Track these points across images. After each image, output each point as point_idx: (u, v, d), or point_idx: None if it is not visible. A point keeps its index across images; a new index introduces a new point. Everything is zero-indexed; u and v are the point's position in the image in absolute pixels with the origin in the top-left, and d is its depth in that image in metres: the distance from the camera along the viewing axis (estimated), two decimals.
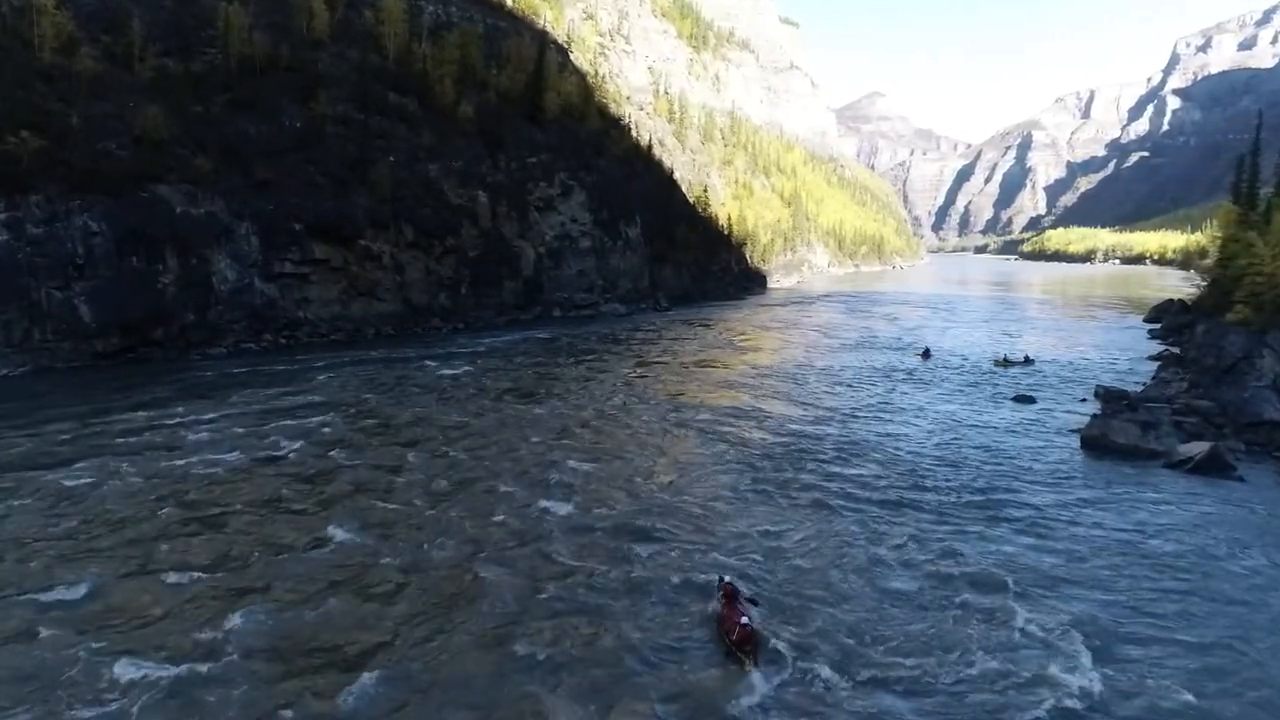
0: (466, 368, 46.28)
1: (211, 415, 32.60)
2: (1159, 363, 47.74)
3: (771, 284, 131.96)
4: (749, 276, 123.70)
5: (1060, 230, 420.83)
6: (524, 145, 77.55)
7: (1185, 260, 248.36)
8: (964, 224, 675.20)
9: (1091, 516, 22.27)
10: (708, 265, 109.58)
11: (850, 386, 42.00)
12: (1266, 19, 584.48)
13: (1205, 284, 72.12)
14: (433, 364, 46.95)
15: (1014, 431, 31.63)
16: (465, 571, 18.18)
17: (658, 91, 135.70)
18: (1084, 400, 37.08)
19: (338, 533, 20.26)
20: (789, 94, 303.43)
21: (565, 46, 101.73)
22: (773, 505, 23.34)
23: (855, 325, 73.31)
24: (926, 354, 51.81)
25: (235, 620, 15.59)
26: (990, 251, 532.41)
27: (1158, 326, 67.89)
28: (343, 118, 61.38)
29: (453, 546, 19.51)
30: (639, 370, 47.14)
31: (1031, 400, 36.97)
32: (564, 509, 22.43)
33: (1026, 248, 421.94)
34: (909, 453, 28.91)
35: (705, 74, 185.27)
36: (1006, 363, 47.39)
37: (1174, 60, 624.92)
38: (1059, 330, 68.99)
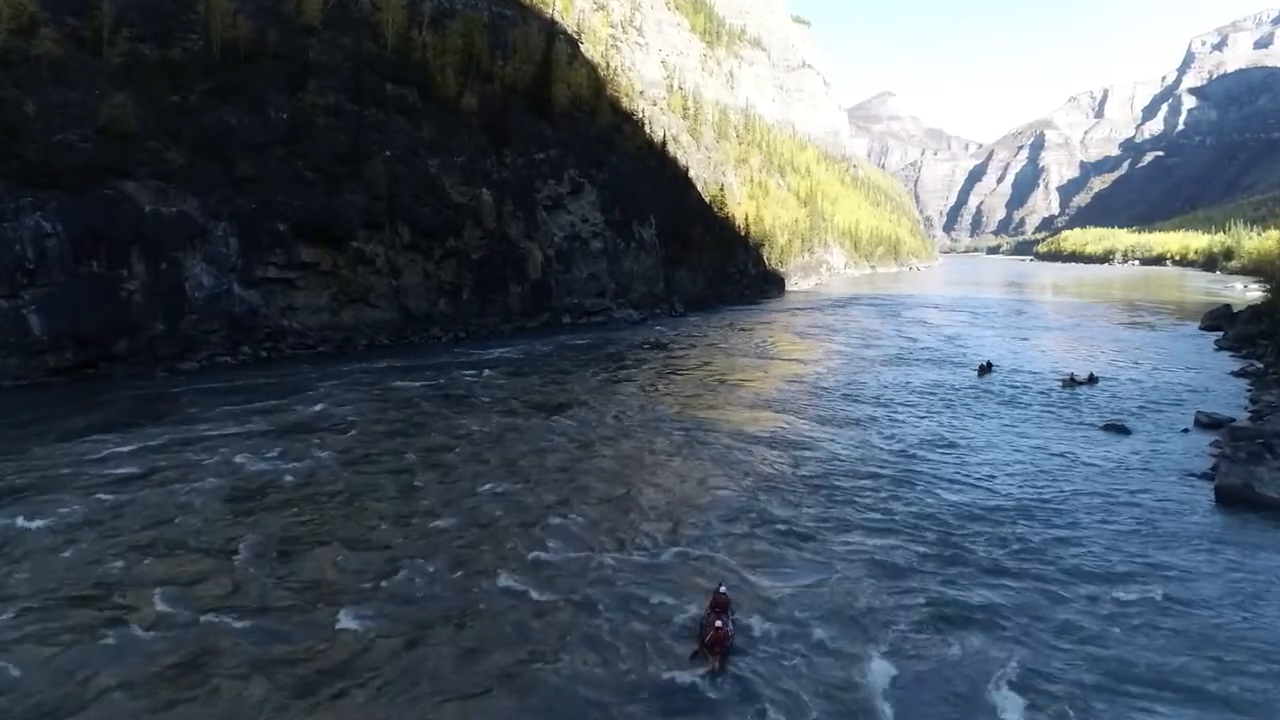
0: (468, 381, 41.71)
1: (173, 439, 28.45)
2: (1247, 381, 42.41)
3: (789, 286, 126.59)
4: (766, 279, 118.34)
5: (1077, 230, 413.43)
6: (531, 140, 72.47)
7: (1209, 261, 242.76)
8: (976, 224, 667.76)
9: (1259, 611, 17.01)
10: (724, 267, 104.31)
11: (899, 408, 36.79)
12: None
13: (1270, 289, 66.58)
14: (430, 378, 42.18)
15: (1119, 474, 26.28)
16: (457, 605, 17.03)
17: (671, 86, 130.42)
18: (1185, 431, 31.71)
19: (318, 566, 18.64)
20: (801, 93, 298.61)
21: (575, 37, 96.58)
22: (809, 561, 19.61)
23: (890, 332, 67.97)
24: (985, 369, 46.30)
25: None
26: (1003, 252, 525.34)
27: (1220, 335, 62.20)
28: (335, 109, 56.36)
29: (444, 581, 18.04)
30: (657, 386, 42.22)
31: (1125, 430, 31.57)
32: (567, 542, 20.41)
33: (1042, 248, 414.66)
34: (988, 500, 23.80)
35: (719, 70, 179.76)
36: (1073, 381, 42.01)
37: (1189, 59, 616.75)
38: (1113, 340, 63.36)
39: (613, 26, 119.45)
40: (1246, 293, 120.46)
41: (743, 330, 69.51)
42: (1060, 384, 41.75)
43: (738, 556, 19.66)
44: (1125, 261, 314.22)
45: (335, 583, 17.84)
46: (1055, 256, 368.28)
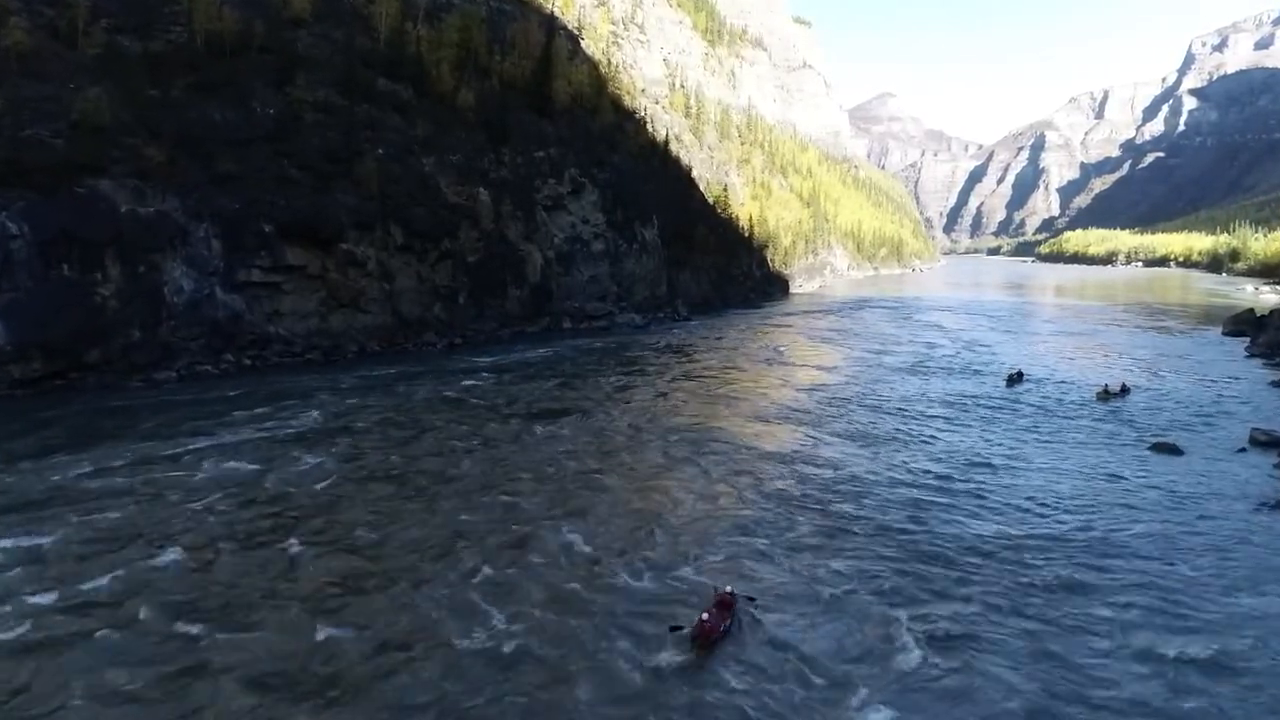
0: (464, 390, 39.59)
1: (145, 455, 26.38)
2: None
3: (793, 289, 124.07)
4: (770, 281, 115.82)
5: (1079, 232, 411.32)
6: (531, 138, 69.89)
7: (1214, 262, 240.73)
8: (976, 225, 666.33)
9: None
10: (728, 269, 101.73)
11: (927, 421, 34.29)
12: None
13: None
14: (424, 386, 40.01)
15: (1182, 503, 23.67)
16: (443, 622, 16.40)
17: (673, 85, 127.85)
18: (1242, 450, 29.19)
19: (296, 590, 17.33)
20: (802, 93, 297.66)
21: (575, 34, 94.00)
22: (823, 589, 18.07)
23: (906, 338, 65.44)
24: (1016, 378, 43.76)
25: None
26: (1004, 253, 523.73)
27: (1249, 342, 59.65)
28: (324, 104, 53.76)
29: (429, 597, 17.38)
30: (664, 396, 39.79)
31: (1177, 450, 29.00)
32: (560, 558, 19.54)
33: (1043, 249, 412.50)
34: (1037, 532, 21.40)
35: (720, 69, 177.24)
36: (1107, 393, 39.46)
37: (1189, 60, 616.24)
38: (1137, 347, 60.70)
39: (614, 23, 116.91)
40: (1260, 296, 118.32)
41: (751, 335, 67.02)
42: (1095, 396, 39.16)
43: (742, 579, 18.28)
44: (1128, 263, 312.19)
45: (309, 603, 16.62)
46: (1057, 258, 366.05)
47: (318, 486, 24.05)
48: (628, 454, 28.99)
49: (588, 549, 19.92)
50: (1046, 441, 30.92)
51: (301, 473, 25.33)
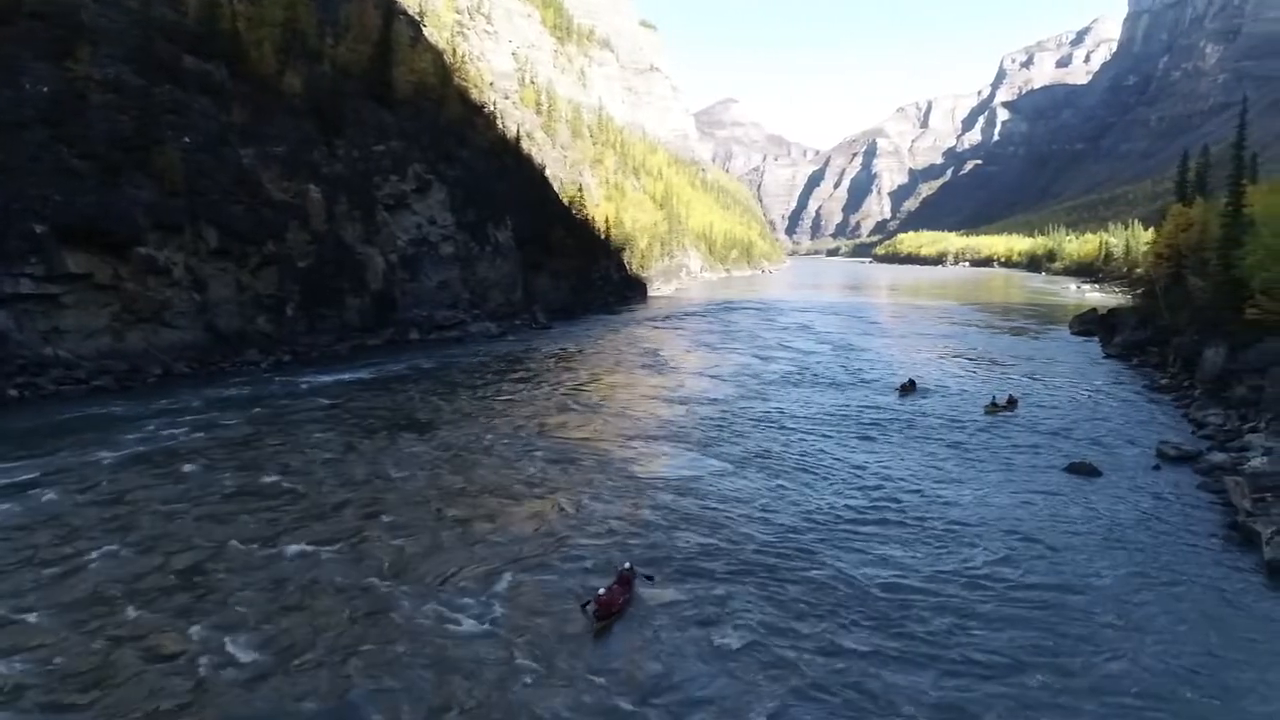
0: (290, 417, 33.71)
1: None
2: (1169, 398, 39.57)
3: (652, 291, 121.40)
4: (629, 284, 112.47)
5: (912, 234, 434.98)
6: (369, 130, 63.26)
7: (1032, 262, 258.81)
8: (816, 228, 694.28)
9: None
10: (587, 273, 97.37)
11: (820, 441, 31.26)
12: (1079, 39, 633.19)
13: (1138, 294, 66.54)
14: (241, 414, 33.65)
15: (1122, 538, 21.03)
16: None
17: (523, 80, 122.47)
18: (1156, 467, 27.54)
19: None
20: (650, 96, 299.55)
21: (417, 19, 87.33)
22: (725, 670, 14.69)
23: (778, 342, 63.19)
24: (908, 388, 41.71)
25: None
26: (843, 254, 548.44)
27: (1101, 342, 61.02)
28: (115, 83, 45.51)
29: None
30: (524, 416, 35.16)
31: (1094, 470, 26.85)
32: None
33: (880, 250, 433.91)
34: (953, 578, 18.63)
35: (570, 68, 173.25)
36: (995, 406, 37.82)
37: (1001, 75, 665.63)
38: (1000, 350, 60.17)
39: (459, 11, 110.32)
40: (1085, 295, 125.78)
41: (618, 343, 63.10)
42: (984, 410, 37.37)
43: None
44: (957, 263, 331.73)
45: None
46: (892, 258, 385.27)
47: (82, 549, 18.50)
48: (478, 488, 24.71)
49: (422, 591, 17.26)
50: (959, 461, 28.46)
51: (61, 535, 19.59)
